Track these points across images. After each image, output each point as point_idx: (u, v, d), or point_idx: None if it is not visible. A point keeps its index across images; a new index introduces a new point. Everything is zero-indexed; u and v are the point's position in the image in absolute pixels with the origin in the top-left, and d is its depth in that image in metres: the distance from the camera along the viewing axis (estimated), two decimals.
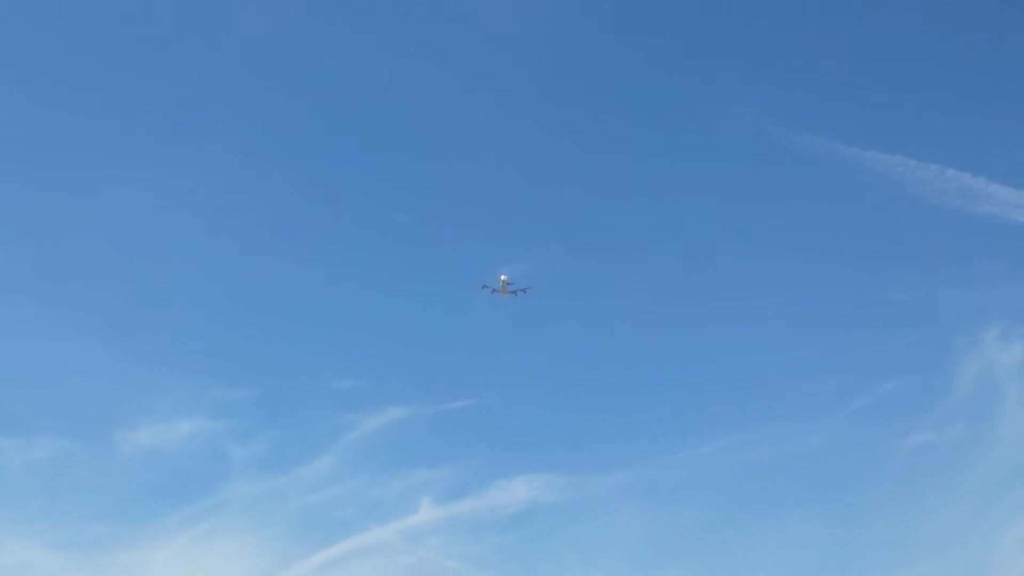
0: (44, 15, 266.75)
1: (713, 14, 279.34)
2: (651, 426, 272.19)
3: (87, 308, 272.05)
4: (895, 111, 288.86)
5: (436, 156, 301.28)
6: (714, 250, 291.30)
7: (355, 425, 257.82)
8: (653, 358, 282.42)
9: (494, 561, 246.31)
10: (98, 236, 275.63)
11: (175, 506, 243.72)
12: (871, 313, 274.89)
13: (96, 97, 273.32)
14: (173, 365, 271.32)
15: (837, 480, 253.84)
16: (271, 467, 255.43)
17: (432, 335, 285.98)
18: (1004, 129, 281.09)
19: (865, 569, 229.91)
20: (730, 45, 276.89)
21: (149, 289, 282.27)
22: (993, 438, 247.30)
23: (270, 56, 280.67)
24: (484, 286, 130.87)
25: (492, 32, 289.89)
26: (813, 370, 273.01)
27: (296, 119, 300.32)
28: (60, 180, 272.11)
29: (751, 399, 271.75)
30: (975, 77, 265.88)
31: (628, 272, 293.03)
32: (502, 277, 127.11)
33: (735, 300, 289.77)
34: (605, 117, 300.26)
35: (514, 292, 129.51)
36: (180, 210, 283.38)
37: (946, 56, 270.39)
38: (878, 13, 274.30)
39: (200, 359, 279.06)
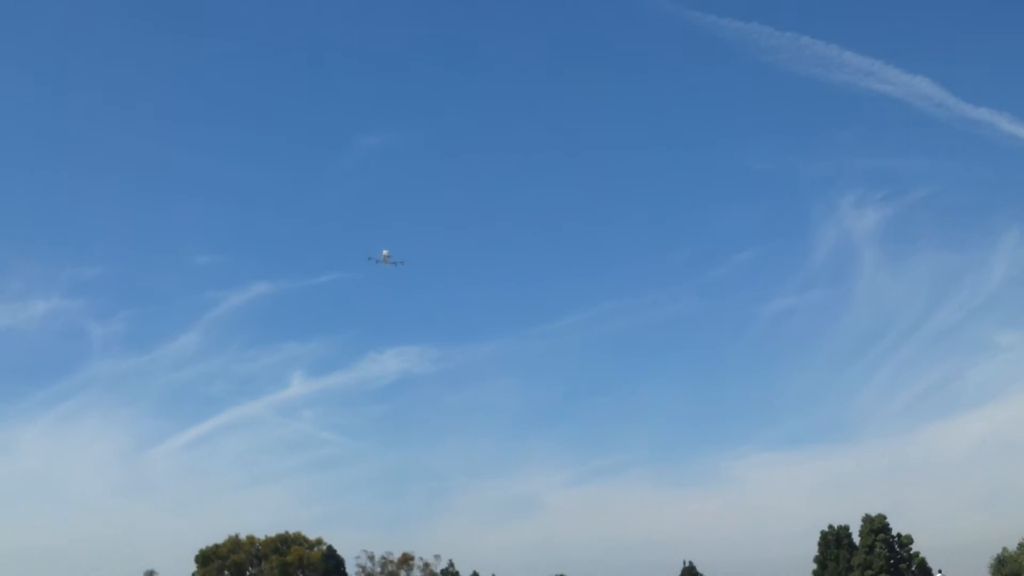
0: None
1: None
2: (521, 297, 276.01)
3: None
4: None
5: (297, 24, 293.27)
6: (565, 123, 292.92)
7: (219, 301, 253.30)
8: (512, 232, 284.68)
9: (370, 431, 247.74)
10: None
11: (37, 386, 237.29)
12: (730, 183, 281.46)
13: None
14: (21, 244, 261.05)
15: (702, 345, 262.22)
16: (134, 345, 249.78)
17: (292, 209, 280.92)
18: None
19: (730, 429, 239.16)
20: None
21: None
22: (850, 301, 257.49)
23: None
24: (369, 258, 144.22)
25: None
26: (674, 241, 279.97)
27: None
28: None
29: (613, 271, 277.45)
30: None
31: (488, 147, 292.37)
32: (384, 252, 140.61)
33: (591, 173, 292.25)
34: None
35: (393, 264, 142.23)
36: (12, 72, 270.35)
37: None
38: None
39: (49, 238, 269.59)
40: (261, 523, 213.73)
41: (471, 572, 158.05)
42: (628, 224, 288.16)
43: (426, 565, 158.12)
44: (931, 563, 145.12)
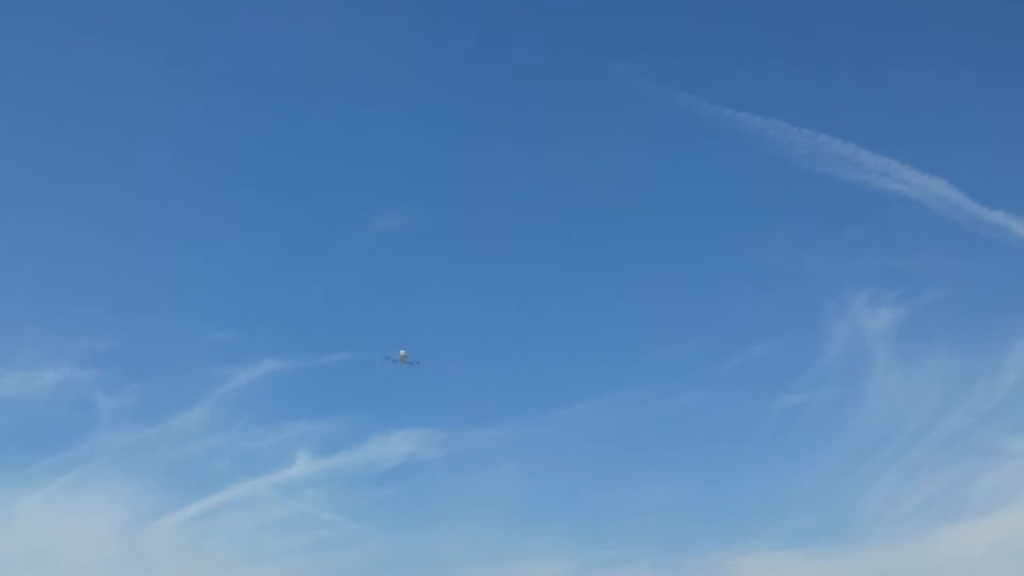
0: None
1: None
2: (530, 384, 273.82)
3: None
4: (770, 74, 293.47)
5: (314, 99, 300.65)
6: (582, 209, 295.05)
7: (228, 377, 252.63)
8: (529, 316, 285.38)
9: (373, 514, 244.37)
10: None
11: (41, 456, 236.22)
12: (743, 276, 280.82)
13: None
14: (36, 312, 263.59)
15: (709, 439, 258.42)
16: (141, 418, 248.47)
17: (306, 288, 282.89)
18: (874, 96, 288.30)
19: (735, 525, 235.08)
20: None
21: (7, 230, 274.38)
22: (861, 400, 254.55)
23: None
24: (387, 357, 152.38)
25: None
26: (685, 332, 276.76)
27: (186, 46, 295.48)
28: None
29: (625, 360, 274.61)
30: (850, 43, 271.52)
31: (501, 232, 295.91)
32: (401, 352, 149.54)
33: (605, 261, 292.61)
34: (477, 70, 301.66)
35: (410, 363, 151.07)
36: (39, 140, 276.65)
37: (822, 20, 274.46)
38: None
39: (65, 307, 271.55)
40: None
41: None
42: (639, 314, 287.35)
43: None
44: None
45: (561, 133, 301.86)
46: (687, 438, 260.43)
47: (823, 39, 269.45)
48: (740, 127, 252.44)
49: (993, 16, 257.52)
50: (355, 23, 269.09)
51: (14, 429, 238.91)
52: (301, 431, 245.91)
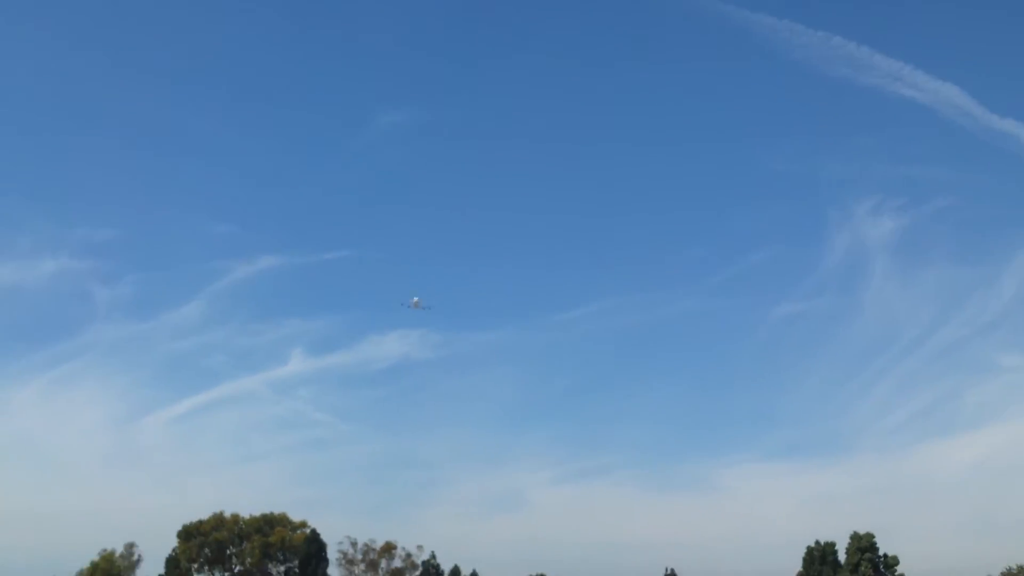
0: None
1: None
2: (524, 289, 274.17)
3: None
4: None
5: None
6: (585, 117, 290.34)
7: (226, 271, 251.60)
8: (526, 221, 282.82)
9: (365, 414, 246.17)
10: None
11: (36, 347, 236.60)
12: (750, 183, 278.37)
13: None
14: (35, 201, 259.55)
15: (704, 347, 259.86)
16: (137, 311, 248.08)
17: (308, 182, 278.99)
18: None
19: (724, 436, 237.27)
20: None
21: (7, 117, 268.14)
22: (858, 310, 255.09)
23: None
24: (402, 304, 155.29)
25: None
26: (685, 238, 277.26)
27: None
28: None
29: (622, 266, 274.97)
30: None
31: (508, 133, 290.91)
32: (414, 299, 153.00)
33: (606, 168, 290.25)
34: None
35: (422, 308, 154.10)
36: (45, 38, 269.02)
37: None
38: None
39: (64, 196, 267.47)
40: (247, 501, 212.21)
41: (453, 565, 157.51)
42: (641, 219, 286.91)
43: (408, 556, 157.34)
44: None
45: (565, 34, 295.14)
46: (683, 346, 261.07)
47: None
48: (752, 27, 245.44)
49: None
50: None
51: (9, 319, 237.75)
52: (297, 329, 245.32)
